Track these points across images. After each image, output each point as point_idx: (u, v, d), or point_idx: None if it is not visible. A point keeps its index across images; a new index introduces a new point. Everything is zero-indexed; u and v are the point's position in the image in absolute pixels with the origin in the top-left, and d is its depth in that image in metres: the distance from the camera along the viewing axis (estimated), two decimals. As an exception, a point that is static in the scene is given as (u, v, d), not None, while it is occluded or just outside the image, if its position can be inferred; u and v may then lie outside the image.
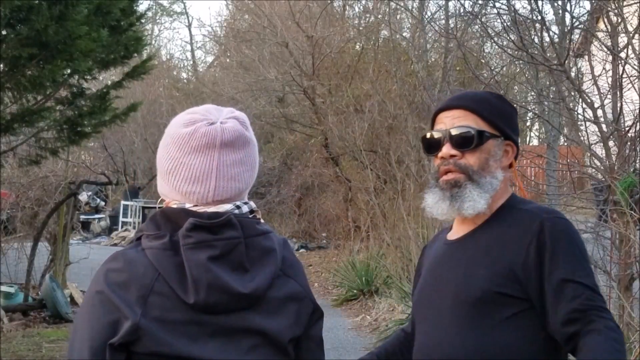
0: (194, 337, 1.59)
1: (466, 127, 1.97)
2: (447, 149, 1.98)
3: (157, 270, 1.59)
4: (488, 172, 1.99)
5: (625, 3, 5.88)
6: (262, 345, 1.65)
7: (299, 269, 1.76)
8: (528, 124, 19.18)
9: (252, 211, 1.71)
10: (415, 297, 2.18)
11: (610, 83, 6.04)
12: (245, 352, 1.63)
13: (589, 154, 5.68)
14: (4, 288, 9.40)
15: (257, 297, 1.63)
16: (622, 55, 5.57)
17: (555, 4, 6.85)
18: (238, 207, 1.67)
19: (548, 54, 5.90)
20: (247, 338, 1.63)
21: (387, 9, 12.29)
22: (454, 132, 1.97)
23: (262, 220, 1.73)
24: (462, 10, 9.10)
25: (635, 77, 5.59)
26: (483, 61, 9.55)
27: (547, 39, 6.28)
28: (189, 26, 34.42)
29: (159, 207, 1.72)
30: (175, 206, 1.68)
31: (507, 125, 2.02)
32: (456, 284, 1.97)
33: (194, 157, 1.64)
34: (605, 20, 6.01)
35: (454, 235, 2.09)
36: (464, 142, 1.97)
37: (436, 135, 2.01)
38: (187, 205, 1.67)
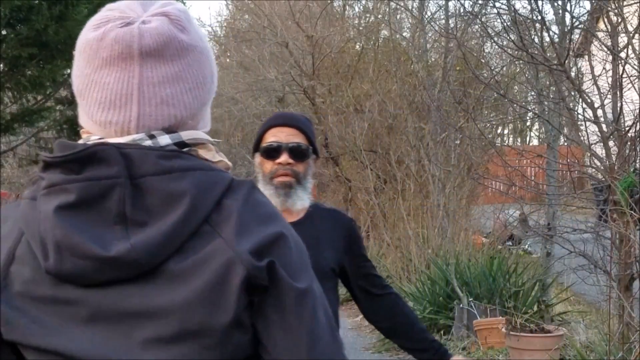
0: (63, 321, 1.14)
1: (300, 143, 2.58)
2: (285, 158, 2.56)
3: (21, 228, 1.17)
4: (308, 178, 2.62)
5: (625, 3, 5.88)
6: (168, 336, 1.12)
7: (243, 220, 1.15)
8: (528, 123, 19.18)
9: (183, 144, 1.21)
10: None
11: (610, 83, 6.03)
12: (141, 346, 1.13)
13: (589, 154, 5.67)
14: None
15: (138, 263, 1.11)
16: (622, 55, 5.57)
17: (555, 4, 6.84)
18: (152, 136, 1.19)
19: (548, 54, 5.90)
20: (140, 325, 1.13)
21: (387, 9, 12.28)
22: (292, 146, 2.57)
23: (205, 157, 1.22)
24: (462, 10, 9.10)
25: (635, 77, 5.59)
26: (483, 61, 9.54)
27: (547, 39, 6.29)
28: (189, 26, 34.45)
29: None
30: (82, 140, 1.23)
31: (315, 143, 2.67)
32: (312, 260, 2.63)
33: (107, 73, 1.18)
34: (605, 20, 6.00)
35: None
36: (298, 155, 2.57)
37: (275, 145, 2.59)
38: (93, 137, 1.21)
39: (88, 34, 1.21)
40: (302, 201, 2.60)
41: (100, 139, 1.20)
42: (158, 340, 1.12)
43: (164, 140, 1.18)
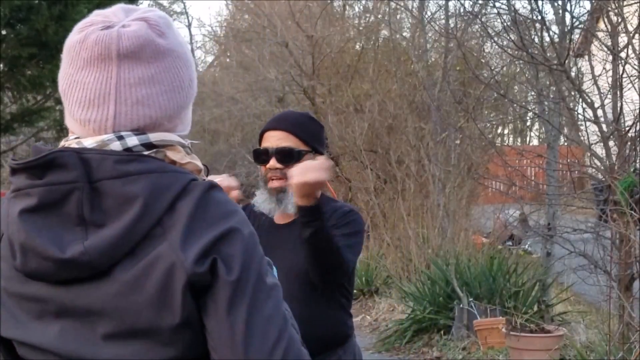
0: (34, 316, 1.23)
1: (287, 147, 2.53)
2: (273, 163, 2.54)
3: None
4: None
5: (625, 3, 5.87)
6: (123, 333, 1.20)
7: (192, 222, 1.20)
8: (528, 123, 19.18)
9: (151, 145, 1.26)
10: None
11: (610, 83, 6.03)
12: (102, 342, 1.20)
13: (589, 154, 5.67)
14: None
15: (92, 265, 1.18)
16: (622, 55, 5.56)
17: (556, 4, 6.83)
18: (121, 137, 1.24)
19: (548, 54, 5.90)
20: (101, 322, 1.20)
21: (387, 9, 12.28)
22: (278, 150, 2.54)
23: (173, 158, 1.27)
24: (462, 10, 9.10)
25: (635, 77, 5.59)
26: (483, 61, 9.54)
27: (547, 39, 6.28)
28: (189, 26, 34.41)
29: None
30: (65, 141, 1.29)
31: (316, 142, 2.59)
32: (290, 261, 2.47)
33: (87, 73, 1.25)
34: (606, 20, 6.00)
35: (280, 220, 2.63)
36: (286, 159, 2.53)
37: (262, 150, 2.57)
38: (71, 137, 1.28)
39: (72, 37, 1.28)
40: (293, 205, 2.52)
41: (76, 138, 1.27)
42: (116, 336, 1.20)
43: (132, 141, 1.24)
